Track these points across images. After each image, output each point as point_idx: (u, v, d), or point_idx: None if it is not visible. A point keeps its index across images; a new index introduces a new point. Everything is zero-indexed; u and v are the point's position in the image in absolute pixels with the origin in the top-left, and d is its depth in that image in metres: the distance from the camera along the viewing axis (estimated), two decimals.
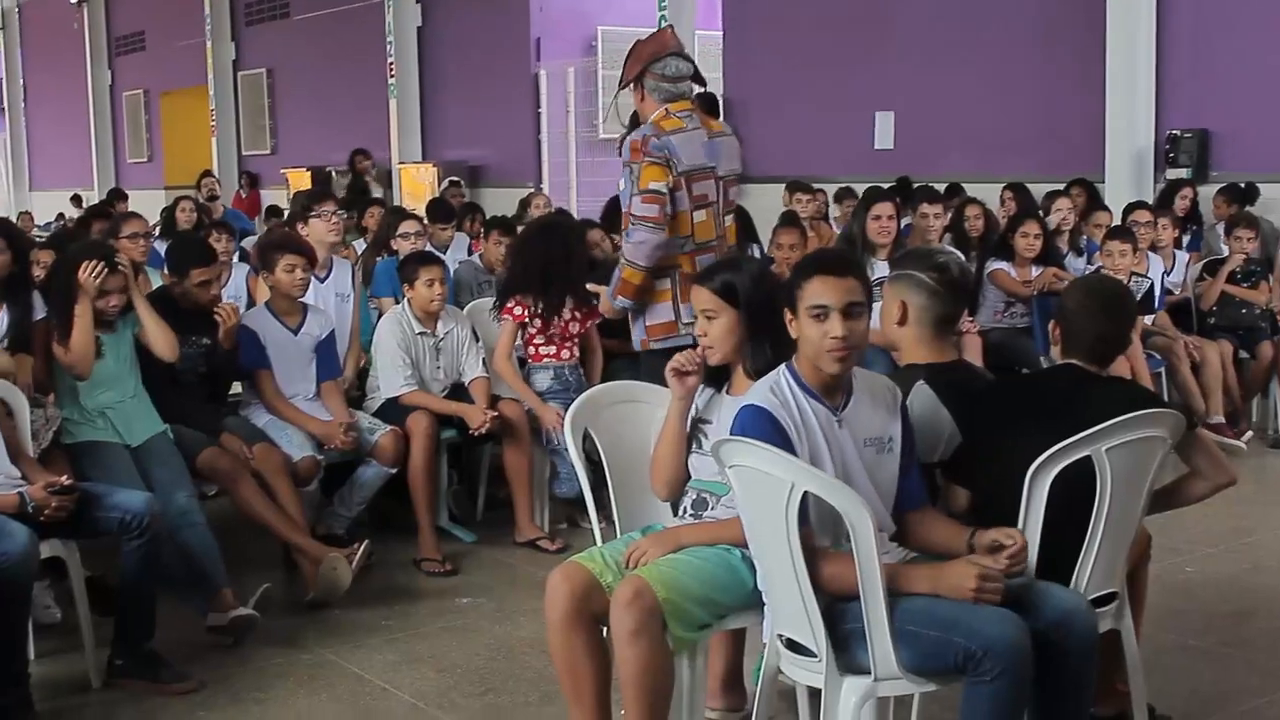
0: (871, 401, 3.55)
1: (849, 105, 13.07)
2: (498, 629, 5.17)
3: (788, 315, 3.49)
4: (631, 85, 5.64)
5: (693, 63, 5.69)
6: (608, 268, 6.76)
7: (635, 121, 5.95)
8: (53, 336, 5.23)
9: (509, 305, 6.43)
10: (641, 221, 5.38)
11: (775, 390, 3.46)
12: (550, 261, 6.43)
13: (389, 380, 6.18)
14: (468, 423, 6.09)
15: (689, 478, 3.87)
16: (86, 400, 5.25)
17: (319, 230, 6.61)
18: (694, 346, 3.87)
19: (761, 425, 3.37)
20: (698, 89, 5.82)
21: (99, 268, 5.18)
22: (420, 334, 6.25)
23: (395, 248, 7.82)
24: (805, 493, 3.22)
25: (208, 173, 17.07)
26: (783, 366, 3.53)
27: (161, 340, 5.42)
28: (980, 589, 3.19)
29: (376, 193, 15.56)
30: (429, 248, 8.67)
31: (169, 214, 11.52)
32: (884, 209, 7.46)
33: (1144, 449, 3.52)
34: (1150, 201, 10.07)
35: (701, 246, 5.56)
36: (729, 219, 5.73)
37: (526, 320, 6.41)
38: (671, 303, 5.44)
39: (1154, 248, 8.84)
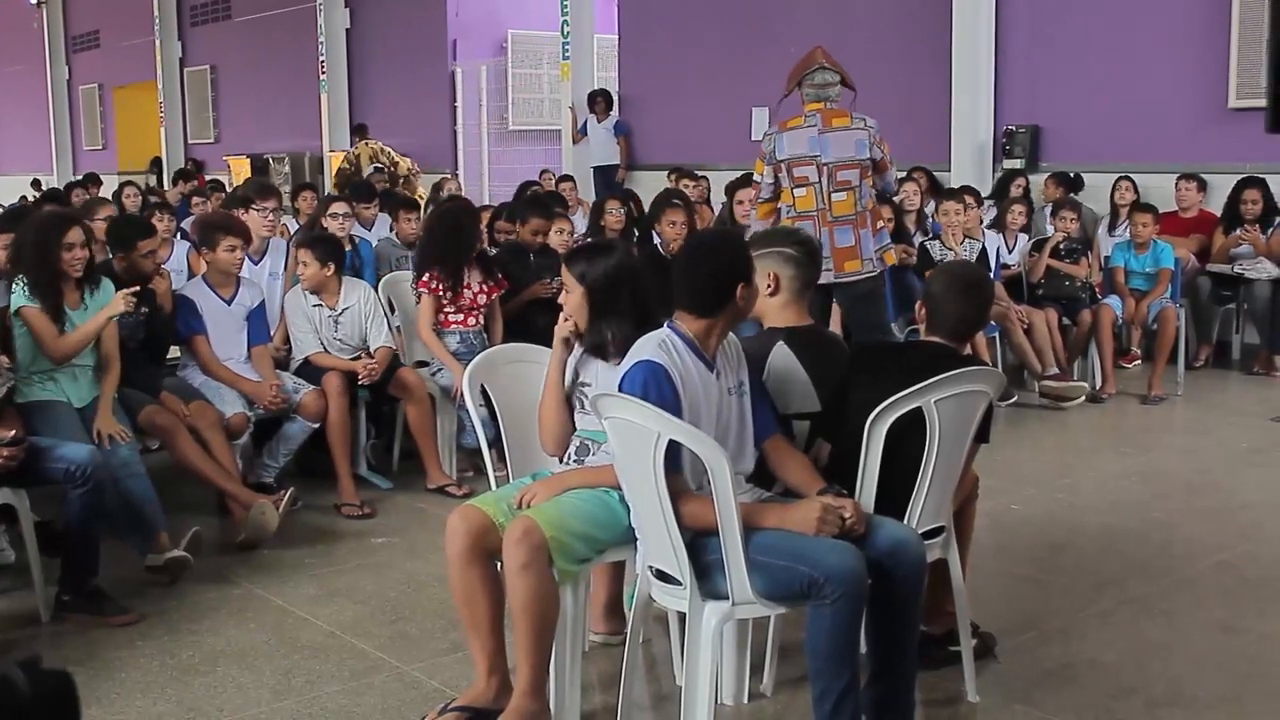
0: (727, 355, 3.58)
1: (730, 101, 13.09)
2: (408, 565, 5.14)
3: (740, 287, 3.46)
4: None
5: (838, 72, 6.83)
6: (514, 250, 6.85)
7: None
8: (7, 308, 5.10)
9: (424, 279, 6.39)
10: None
11: (663, 346, 3.43)
12: (450, 242, 6.42)
13: (299, 343, 6.21)
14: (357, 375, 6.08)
15: (574, 431, 3.87)
16: (39, 364, 5.14)
17: (255, 222, 6.56)
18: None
19: (659, 379, 3.34)
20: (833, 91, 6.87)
21: (134, 301, 5.19)
22: (316, 305, 6.20)
23: (325, 225, 7.72)
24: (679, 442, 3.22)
25: (187, 172, 16.95)
26: (666, 327, 3.50)
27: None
28: (822, 522, 3.24)
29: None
30: (357, 226, 8.62)
31: (116, 198, 11.31)
32: (745, 194, 7.71)
33: (968, 402, 3.56)
34: (988, 189, 10.26)
35: (802, 214, 6.68)
36: (844, 195, 6.68)
37: (441, 292, 6.37)
38: None
39: (998, 226, 9.01)
